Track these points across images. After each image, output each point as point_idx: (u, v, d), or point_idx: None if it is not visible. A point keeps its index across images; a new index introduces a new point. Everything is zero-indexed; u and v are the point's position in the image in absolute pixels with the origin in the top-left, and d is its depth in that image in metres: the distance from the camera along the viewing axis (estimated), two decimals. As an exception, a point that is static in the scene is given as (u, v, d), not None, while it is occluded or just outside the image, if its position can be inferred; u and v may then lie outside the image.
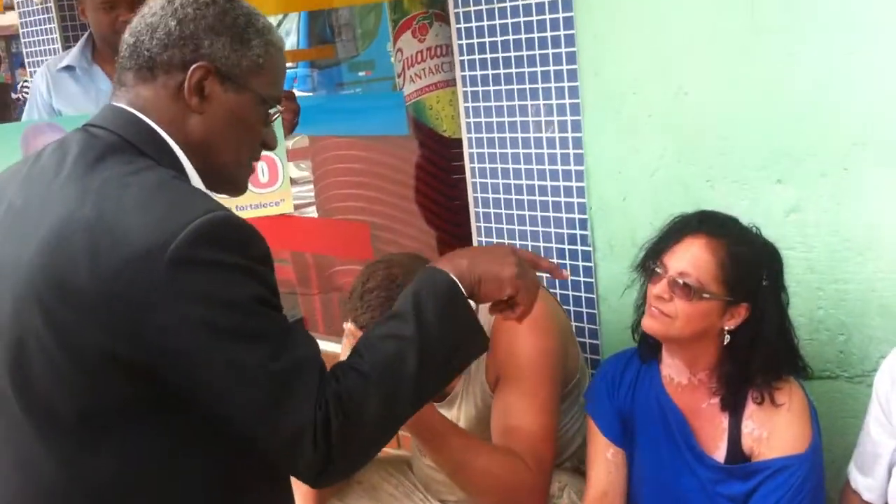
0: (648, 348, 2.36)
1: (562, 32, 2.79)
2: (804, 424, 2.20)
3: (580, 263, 2.93)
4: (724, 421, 2.25)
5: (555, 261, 2.98)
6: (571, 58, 2.79)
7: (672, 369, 2.32)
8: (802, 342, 2.36)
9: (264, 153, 1.80)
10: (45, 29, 4.79)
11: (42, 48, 4.85)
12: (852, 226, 2.39)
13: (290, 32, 4.70)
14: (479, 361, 2.54)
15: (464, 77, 3.09)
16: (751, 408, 2.23)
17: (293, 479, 1.62)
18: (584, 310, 2.96)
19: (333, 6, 3.81)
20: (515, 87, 2.95)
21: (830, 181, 2.39)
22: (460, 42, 3.06)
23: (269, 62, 1.67)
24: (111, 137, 1.57)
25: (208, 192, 1.64)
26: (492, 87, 3.01)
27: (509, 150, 3.02)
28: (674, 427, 2.30)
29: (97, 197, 1.47)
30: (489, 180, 3.11)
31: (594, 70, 2.76)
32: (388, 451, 1.65)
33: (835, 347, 2.49)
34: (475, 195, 3.17)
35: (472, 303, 1.67)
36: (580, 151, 2.84)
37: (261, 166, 3.09)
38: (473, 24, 3.01)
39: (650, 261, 2.27)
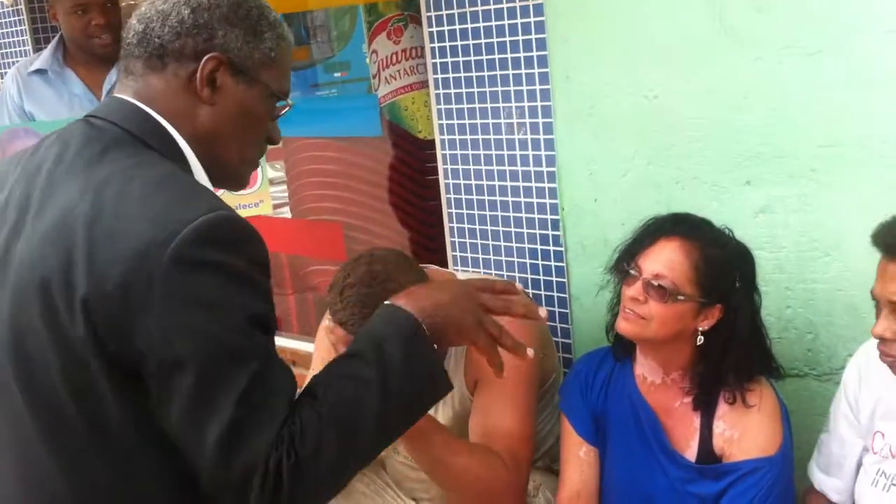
0: (622, 348, 2.38)
1: (533, 36, 2.81)
2: (775, 426, 2.23)
3: (552, 264, 2.96)
4: (695, 421, 2.28)
5: (527, 261, 3.01)
6: (543, 61, 2.81)
7: (645, 369, 2.35)
8: (772, 341, 2.40)
9: None
10: (16, 31, 4.77)
11: (13, 50, 4.83)
12: (820, 226, 2.42)
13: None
14: (458, 364, 2.56)
15: (436, 79, 3.11)
16: (723, 408, 2.26)
17: None
18: (557, 310, 2.99)
19: (308, 9, 3.81)
20: (488, 89, 2.97)
21: (798, 182, 2.43)
22: (433, 45, 3.08)
23: (280, 56, 1.65)
24: (115, 130, 1.55)
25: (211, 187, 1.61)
26: (464, 90, 3.03)
27: (482, 152, 3.04)
28: (646, 426, 2.32)
29: (98, 191, 1.43)
30: (462, 181, 3.13)
31: (565, 73, 2.78)
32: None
33: (803, 346, 2.52)
34: (448, 196, 3.19)
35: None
36: (552, 153, 2.86)
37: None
38: (445, 28, 3.02)
39: (624, 262, 2.29)
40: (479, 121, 3.02)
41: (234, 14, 1.60)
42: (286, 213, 4.22)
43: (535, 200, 2.94)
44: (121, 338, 1.39)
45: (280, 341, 3.45)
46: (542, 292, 3.01)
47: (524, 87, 2.87)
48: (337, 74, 3.89)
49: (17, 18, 4.73)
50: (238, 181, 1.71)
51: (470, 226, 3.15)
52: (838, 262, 2.41)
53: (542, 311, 1.74)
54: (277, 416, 1.39)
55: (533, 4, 2.79)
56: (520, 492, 2.43)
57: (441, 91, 3.10)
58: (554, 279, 2.97)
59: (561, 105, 2.82)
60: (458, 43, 3.01)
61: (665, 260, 2.20)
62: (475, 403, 2.50)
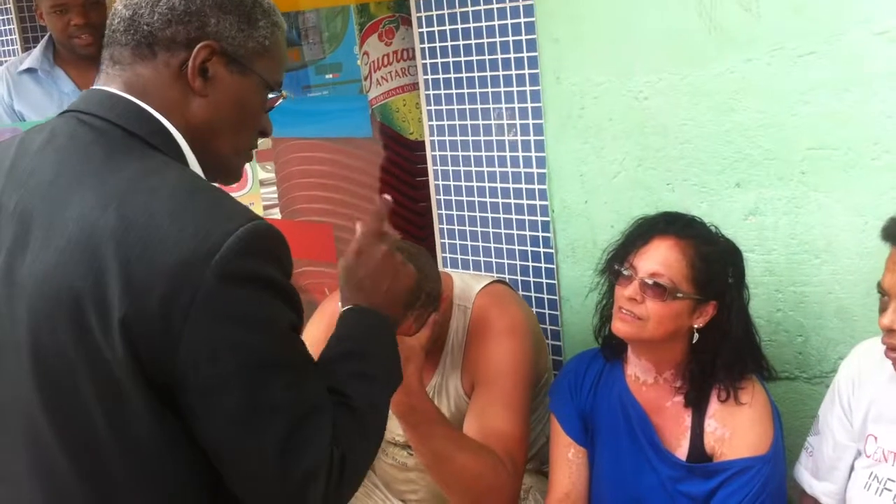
0: (611, 349, 2.38)
1: (523, 37, 2.80)
2: (766, 425, 2.22)
3: (542, 265, 2.95)
4: (687, 419, 2.28)
5: (517, 263, 3.01)
6: (533, 62, 2.80)
7: (638, 369, 2.35)
8: (762, 344, 2.39)
9: None
10: (5, 30, 4.76)
11: (1, 49, 4.81)
12: (810, 229, 2.42)
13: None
14: (455, 366, 2.56)
15: (426, 80, 3.10)
16: (714, 406, 2.26)
17: None
18: (547, 311, 2.98)
19: (300, 8, 3.80)
20: (478, 90, 2.96)
21: (788, 185, 2.42)
22: (423, 46, 3.08)
23: (275, 45, 1.59)
24: (113, 130, 1.46)
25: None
26: (454, 91, 3.03)
27: (472, 153, 3.03)
28: (636, 425, 2.32)
29: (121, 202, 1.35)
30: (452, 182, 3.12)
31: (555, 75, 2.77)
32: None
33: (793, 349, 2.52)
34: (438, 197, 3.18)
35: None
36: (542, 155, 2.85)
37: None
38: (436, 28, 3.02)
39: (616, 263, 2.28)
40: (469, 122, 3.01)
41: (227, 1, 1.53)
42: (276, 214, 4.21)
43: (525, 202, 2.94)
44: (162, 355, 1.33)
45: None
46: (532, 294, 3.00)
47: (514, 88, 2.87)
48: (328, 76, 3.88)
49: (5, 17, 4.72)
50: (232, 174, 1.64)
51: (460, 227, 3.15)
52: (829, 265, 2.41)
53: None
54: (327, 417, 1.43)
55: (523, 5, 2.78)
56: (515, 494, 2.43)
57: (431, 92, 3.09)
58: (544, 281, 2.96)
59: (551, 106, 2.81)
60: (449, 43, 3.00)
61: (661, 258, 2.20)
62: (471, 405, 2.50)
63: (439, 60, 3.04)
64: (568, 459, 2.41)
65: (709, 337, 2.23)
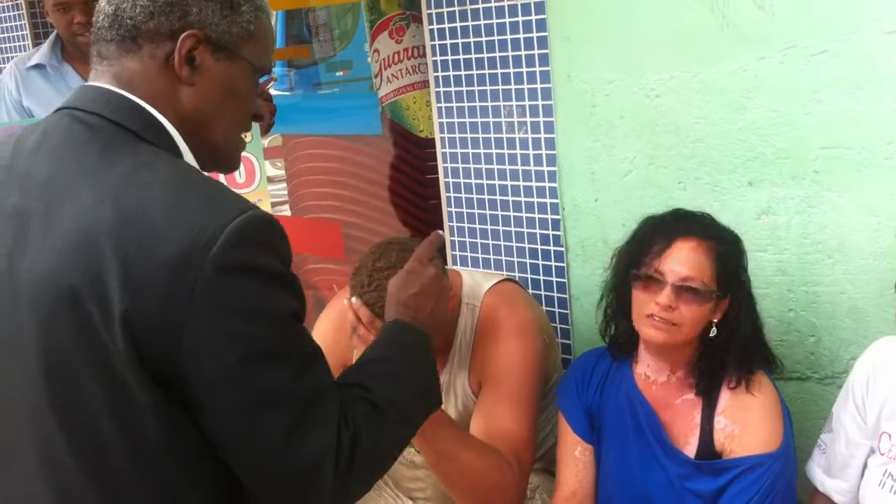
0: (619, 348, 2.37)
1: (534, 34, 2.79)
2: (776, 422, 2.21)
3: (553, 264, 2.94)
4: (696, 416, 2.26)
5: (527, 261, 2.99)
6: (544, 59, 2.79)
7: (650, 368, 2.34)
8: (773, 344, 2.38)
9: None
10: (17, 26, 4.76)
11: (12, 45, 4.81)
12: (822, 228, 2.40)
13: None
14: (462, 365, 2.56)
15: (436, 77, 3.09)
16: (724, 403, 2.25)
17: None
18: (557, 310, 2.97)
19: (310, 6, 3.80)
20: (488, 87, 2.95)
21: (801, 184, 2.40)
22: (433, 43, 3.07)
23: (260, 28, 1.57)
24: (106, 125, 1.45)
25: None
26: (465, 88, 3.01)
27: (482, 151, 3.02)
28: (643, 422, 2.31)
29: (116, 198, 1.35)
30: (462, 180, 3.11)
31: (566, 72, 2.76)
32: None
33: (805, 349, 2.50)
34: (448, 195, 3.17)
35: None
36: (553, 152, 2.84)
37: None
38: (446, 26, 3.00)
39: (635, 268, 2.26)
40: (479, 119, 3.00)
41: None
42: (286, 211, 4.21)
43: (535, 200, 2.92)
44: (164, 350, 1.33)
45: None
46: (542, 292, 2.99)
47: (525, 86, 2.85)
48: (339, 73, 3.88)
49: (16, 13, 4.72)
50: (229, 163, 1.64)
51: (470, 225, 3.13)
52: (841, 265, 2.39)
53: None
54: (333, 405, 1.44)
55: (534, 2, 2.77)
56: (521, 494, 2.42)
57: (441, 89, 3.08)
58: (554, 279, 2.95)
59: (562, 104, 2.79)
60: (459, 41, 2.99)
61: (691, 262, 2.18)
62: (478, 404, 2.49)
63: (450, 58, 3.03)
64: (574, 457, 2.41)
65: (720, 331, 2.22)
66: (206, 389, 1.36)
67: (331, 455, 1.42)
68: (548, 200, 2.89)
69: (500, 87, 2.92)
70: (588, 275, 2.83)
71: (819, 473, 2.25)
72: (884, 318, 2.30)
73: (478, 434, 2.41)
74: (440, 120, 3.11)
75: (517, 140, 2.92)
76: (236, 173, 2.71)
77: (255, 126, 2.27)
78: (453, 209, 3.17)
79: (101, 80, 1.51)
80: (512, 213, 3.00)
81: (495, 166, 3.00)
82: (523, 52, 2.84)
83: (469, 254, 3.17)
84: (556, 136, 2.82)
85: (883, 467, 2.10)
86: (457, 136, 3.08)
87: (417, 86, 3.56)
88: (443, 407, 2.54)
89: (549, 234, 2.92)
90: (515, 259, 3.04)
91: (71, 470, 1.41)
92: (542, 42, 2.78)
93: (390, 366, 1.64)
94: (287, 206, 4.27)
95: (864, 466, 2.17)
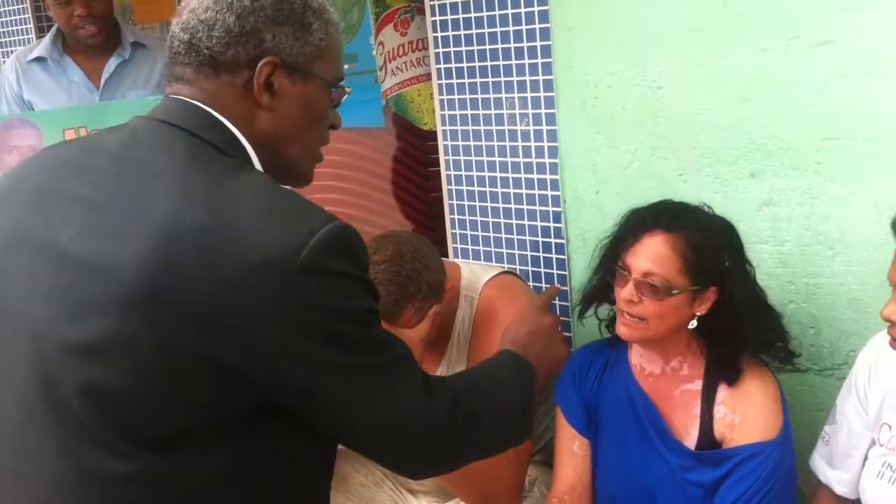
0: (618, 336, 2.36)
1: (536, 26, 2.79)
2: (776, 410, 2.20)
3: (553, 256, 2.93)
4: (696, 407, 2.26)
5: (528, 254, 2.99)
6: (546, 51, 2.79)
7: (644, 360, 2.34)
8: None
9: None
10: (21, 19, 4.76)
11: (16, 38, 4.82)
12: (824, 220, 2.39)
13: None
14: (461, 354, 2.56)
15: (439, 70, 3.09)
16: (723, 392, 2.24)
17: None
18: (558, 303, 2.96)
19: None
20: (490, 79, 2.95)
21: (803, 175, 2.40)
22: (435, 35, 3.06)
23: (330, 43, 1.61)
24: (191, 137, 1.50)
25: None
26: (466, 80, 3.01)
27: (483, 143, 3.02)
28: (643, 415, 2.30)
29: (206, 201, 1.39)
30: (463, 172, 3.11)
31: (568, 63, 2.75)
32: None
33: (805, 341, 2.49)
34: (449, 187, 3.17)
35: None
36: (554, 144, 2.84)
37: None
38: (449, 17, 3.00)
39: (609, 261, 2.28)
40: (481, 111, 3.00)
41: (278, 12, 1.55)
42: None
43: (536, 192, 2.92)
44: (244, 348, 1.37)
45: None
46: (543, 284, 2.99)
47: (527, 77, 2.85)
48: (345, 67, 3.88)
49: (20, 6, 4.72)
50: (304, 177, 1.68)
51: (471, 217, 3.13)
52: (842, 257, 2.38)
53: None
54: (416, 372, 1.55)
55: (537, -7, 2.76)
56: (519, 485, 2.42)
57: (444, 81, 3.08)
58: (555, 272, 2.95)
59: (564, 95, 2.79)
60: (462, 32, 2.98)
61: (652, 256, 2.17)
62: None
63: (452, 49, 3.03)
64: (573, 451, 2.40)
65: (716, 320, 2.21)
66: (299, 379, 1.42)
67: (419, 409, 1.52)
68: (549, 192, 2.89)
69: (502, 79, 2.91)
70: (589, 267, 2.82)
71: (822, 465, 2.25)
72: (885, 310, 2.29)
73: None
74: (442, 112, 3.11)
75: (519, 132, 2.91)
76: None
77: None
78: (454, 202, 3.17)
79: (183, 94, 1.55)
80: (513, 206, 3.00)
81: (497, 158, 3.00)
82: (525, 44, 2.83)
83: (470, 246, 3.16)
84: (557, 127, 2.82)
85: (882, 458, 2.09)
86: (458, 128, 3.08)
87: (422, 78, 3.56)
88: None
89: (550, 227, 2.92)
90: (517, 251, 3.03)
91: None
92: (545, 33, 2.78)
93: (492, 380, 1.73)
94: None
95: (865, 458, 2.16)
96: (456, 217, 3.18)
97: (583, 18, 2.70)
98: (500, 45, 2.89)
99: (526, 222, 2.98)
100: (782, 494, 2.17)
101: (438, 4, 3.02)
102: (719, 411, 2.23)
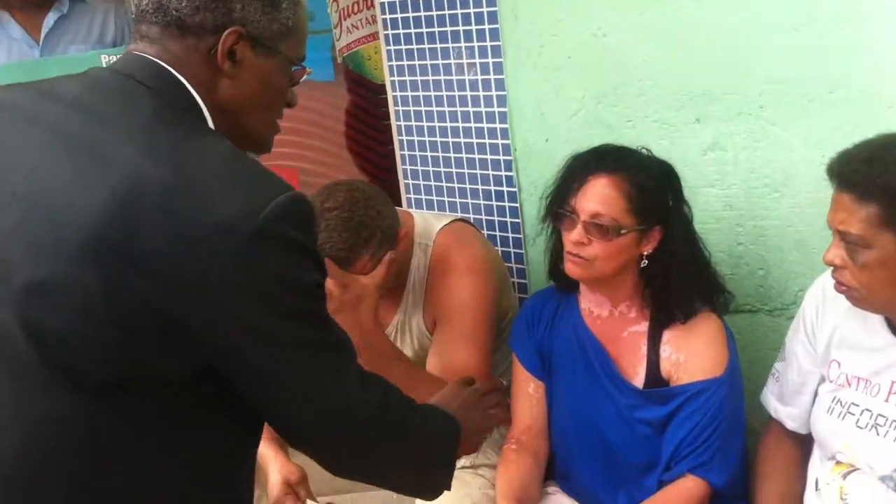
0: (566, 283, 2.40)
1: (481, -26, 2.78)
2: (720, 348, 2.26)
3: (506, 204, 2.95)
4: (642, 347, 2.31)
5: (481, 202, 3.01)
6: (491, 0, 2.78)
7: (592, 303, 2.38)
8: (724, 278, 2.41)
9: None
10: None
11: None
12: (769, 163, 2.42)
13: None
14: (416, 303, 2.58)
15: (384, 20, 3.08)
16: (668, 333, 2.29)
17: None
18: (512, 250, 2.99)
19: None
20: (437, 29, 2.94)
21: (747, 119, 2.42)
22: (381, -15, 3.05)
23: (297, 24, 1.63)
24: (154, 95, 1.51)
25: None
26: (413, 30, 3.00)
27: (433, 93, 3.02)
28: (592, 357, 2.35)
29: (170, 158, 1.41)
30: (414, 123, 3.11)
31: (514, 13, 2.75)
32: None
33: (754, 282, 2.53)
34: (400, 138, 3.17)
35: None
36: (503, 93, 2.84)
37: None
38: (394, -34, 2.98)
39: (556, 206, 2.31)
40: (429, 62, 2.99)
41: None
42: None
43: (487, 141, 2.93)
44: (191, 305, 1.39)
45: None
46: (497, 233, 3.01)
47: (473, 27, 2.85)
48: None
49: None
50: (264, 146, 1.71)
51: (423, 168, 3.14)
52: (788, 199, 2.42)
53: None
54: (353, 356, 1.57)
55: (481, -57, 2.75)
56: None
57: (390, 32, 3.07)
58: (508, 220, 2.97)
59: (510, 44, 2.79)
60: (408, -19, 2.97)
61: (598, 197, 2.21)
62: (433, 342, 2.53)
63: (398, 0, 3.01)
64: (528, 394, 2.45)
65: (658, 261, 2.26)
66: (239, 341, 1.44)
67: (356, 393, 1.54)
68: (499, 141, 2.90)
69: (449, 29, 2.91)
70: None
71: (773, 401, 2.29)
72: (829, 250, 2.33)
73: (433, 371, 2.44)
74: (390, 63, 3.10)
75: (467, 82, 2.91)
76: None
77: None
78: (406, 152, 3.17)
79: (147, 52, 1.56)
80: (465, 155, 3.01)
81: (446, 108, 3.00)
82: (470, -7, 2.83)
83: (424, 196, 3.17)
84: (504, 77, 2.82)
85: (832, 394, 2.14)
86: (407, 79, 3.07)
87: (377, 36, 3.55)
88: (399, 346, 2.58)
89: (501, 175, 2.93)
90: (469, 200, 3.05)
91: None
92: (489, -19, 2.77)
93: (423, 408, 1.75)
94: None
95: (815, 394, 2.21)
96: (408, 168, 3.18)
97: (527, -33, 2.70)
98: (445, -5, 2.88)
99: (478, 171, 2.99)
100: (730, 431, 2.23)
101: (384, -46, 3.00)
102: (665, 351, 2.28)
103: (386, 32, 3.08)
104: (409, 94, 3.08)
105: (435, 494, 1.78)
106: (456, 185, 3.06)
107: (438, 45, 2.95)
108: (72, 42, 3.55)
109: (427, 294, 2.57)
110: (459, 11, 2.86)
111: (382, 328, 2.46)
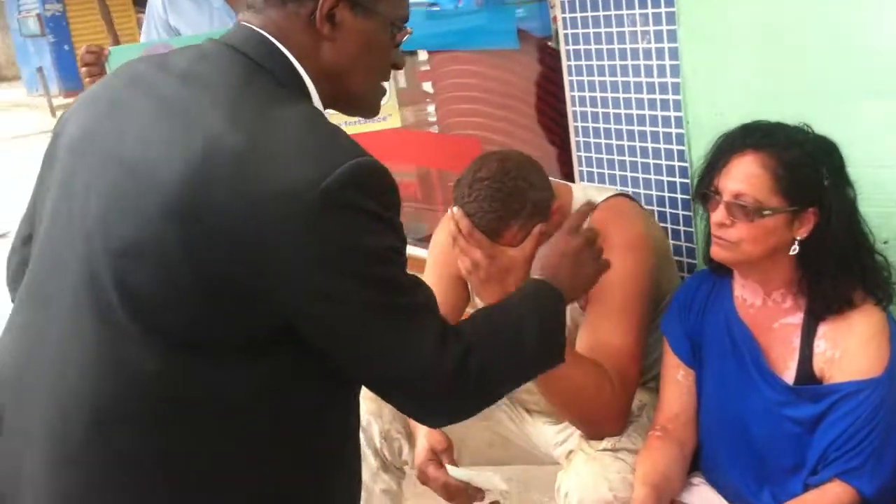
0: (720, 265, 2.27)
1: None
2: (881, 346, 2.09)
3: (677, 180, 2.83)
4: (795, 340, 2.17)
5: (651, 177, 2.90)
6: (666, -35, 2.67)
7: (746, 290, 2.25)
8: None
9: None
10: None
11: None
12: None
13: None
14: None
15: (561, -11, 3.01)
16: (824, 327, 2.14)
17: None
18: (682, 228, 2.87)
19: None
20: (612, -4, 2.85)
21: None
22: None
23: None
24: (251, 65, 1.59)
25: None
26: (589, -2, 2.92)
27: (606, 63, 2.93)
28: (742, 347, 2.23)
29: (247, 125, 1.47)
30: (587, 94, 3.03)
31: (689, -23, 2.63)
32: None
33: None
34: (573, 109, 3.09)
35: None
36: (676, 63, 2.72)
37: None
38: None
39: (702, 187, 2.20)
40: (603, 29, 2.90)
41: None
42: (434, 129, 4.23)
43: (659, 113, 2.82)
44: (262, 269, 1.44)
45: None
46: (668, 210, 2.89)
47: (648, -7, 2.74)
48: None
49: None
50: (371, 109, 1.78)
51: (596, 140, 3.05)
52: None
53: None
54: (436, 319, 1.57)
55: None
56: (623, 410, 2.38)
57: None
58: (679, 196, 2.85)
59: (684, 11, 2.67)
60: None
61: (742, 176, 2.09)
62: (585, 320, 2.47)
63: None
64: (677, 381, 2.35)
65: (813, 246, 2.10)
66: (312, 305, 1.47)
67: (435, 360, 1.53)
68: (671, 114, 2.78)
69: (624, -5, 2.81)
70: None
71: None
72: None
73: (582, 349, 2.38)
74: (565, 31, 3.03)
75: (641, 51, 2.81)
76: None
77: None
78: (579, 124, 3.09)
79: (252, 23, 1.64)
80: (637, 128, 2.90)
81: (619, 79, 2.90)
82: (646, -42, 2.72)
83: (595, 169, 3.09)
84: (678, 45, 2.70)
85: None
86: (581, 47, 2.99)
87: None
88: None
89: (673, 149, 2.81)
90: (641, 175, 2.94)
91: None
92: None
93: (515, 314, 1.73)
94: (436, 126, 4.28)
95: None
96: (581, 139, 3.10)
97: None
98: (621, -40, 2.79)
99: (649, 145, 2.88)
100: (886, 437, 2.06)
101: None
102: (819, 346, 2.13)
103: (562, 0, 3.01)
104: (584, 63, 3.00)
105: (551, 366, 1.82)
106: (627, 159, 2.96)
107: (613, 13, 2.85)
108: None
109: None
110: (635, -23, 2.76)
111: None
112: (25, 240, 1.77)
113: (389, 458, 2.66)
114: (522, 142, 3.81)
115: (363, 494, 1.88)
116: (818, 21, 2.39)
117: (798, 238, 2.10)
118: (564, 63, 3.07)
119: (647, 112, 2.85)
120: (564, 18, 3.01)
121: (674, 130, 2.79)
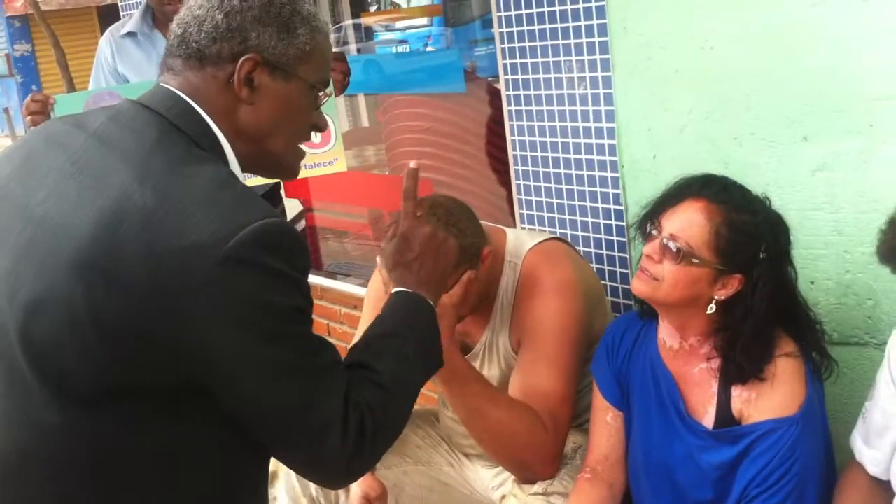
0: (648, 307, 2.29)
1: (590, -13, 2.71)
2: (795, 385, 2.11)
3: (613, 222, 2.87)
4: (713, 385, 2.18)
5: (588, 220, 2.93)
6: (601, 12, 2.71)
7: (665, 333, 2.27)
8: (830, 307, 2.27)
9: None
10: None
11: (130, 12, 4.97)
12: (879, 184, 2.26)
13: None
14: (503, 323, 2.54)
15: (501, 34, 3.05)
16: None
17: None
18: (618, 270, 2.90)
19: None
20: (549, 42, 2.89)
21: (856, 138, 2.27)
22: (497, -1, 3.01)
23: (316, 48, 1.67)
24: (167, 125, 1.58)
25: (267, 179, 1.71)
26: (527, 44, 2.96)
27: (545, 108, 2.97)
28: (664, 392, 2.25)
29: (157, 183, 1.47)
30: (527, 138, 3.07)
31: (623, 25, 2.67)
32: (417, 405, 1.80)
33: (863, 312, 2.37)
34: (514, 153, 3.13)
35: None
36: (611, 108, 2.76)
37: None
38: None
39: (647, 220, 2.21)
40: (542, 76, 2.94)
41: (265, 14, 1.62)
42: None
43: (595, 157, 2.85)
44: (172, 326, 1.43)
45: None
46: (604, 251, 2.92)
47: (584, 40, 2.78)
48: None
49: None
50: (289, 172, 1.77)
51: (535, 183, 3.08)
52: (900, 224, 2.24)
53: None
54: (340, 380, 1.55)
55: (590, -45, 2.68)
56: (555, 453, 2.40)
57: (506, 45, 3.03)
58: (615, 238, 2.88)
59: (619, 58, 2.71)
60: (521, -5, 2.93)
61: (685, 220, 2.11)
62: (517, 363, 2.48)
63: (513, 13, 2.97)
64: (606, 423, 2.36)
65: (734, 311, 2.12)
66: (217, 361, 1.47)
67: (337, 424, 1.51)
68: (607, 157, 2.82)
69: (560, 42, 2.85)
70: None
71: (859, 441, 2.12)
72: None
73: (515, 392, 2.40)
74: (505, 77, 3.06)
75: (577, 96, 2.84)
76: (312, 134, 2.77)
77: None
78: (520, 167, 3.12)
79: (171, 84, 1.64)
80: (574, 171, 2.94)
81: (557, 123, 2.94)
82: (581, 5, 2.76)
83: (535, 212, 3.11)
84: (613, 91, 2.74)
85: None
86: (521, 93, 3.03)
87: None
88: (486, 366, 2.54)
89: (609, 193, 2.85)
90: (578, 217, 2.97)
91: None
92: (599, -6, 2.70)
93: (394, 341, 1.69)
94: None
95: None
96: (521, 183, 3.13)
97: (635, -22, 2.61)
98: (557, 7, 2.82)
99: (586, 188, 2.91)
100: (805, 474, 2.07)
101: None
102: (736, 389, 2.15)
103: (502, 46, 3.04)
104: (524, 108, 3.03)
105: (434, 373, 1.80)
106: (565, 202, 2.99)
107: (551, 59, 2.89)
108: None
109: (514, 313, 2.52)
110: (571, 24, 2.80)
111: (459, 348, 2.42)
112: None
113: (325, 506, 2.65)
114: (472, 183, 3.84)
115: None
116: (749, 68, 2.43)
117: (717, 298, 2.12)
118: (505, 108, 3.10)
119: (583, 156, 2.89)
120: (505, 64, 3.05)
121: (609, 174, 2.83)
